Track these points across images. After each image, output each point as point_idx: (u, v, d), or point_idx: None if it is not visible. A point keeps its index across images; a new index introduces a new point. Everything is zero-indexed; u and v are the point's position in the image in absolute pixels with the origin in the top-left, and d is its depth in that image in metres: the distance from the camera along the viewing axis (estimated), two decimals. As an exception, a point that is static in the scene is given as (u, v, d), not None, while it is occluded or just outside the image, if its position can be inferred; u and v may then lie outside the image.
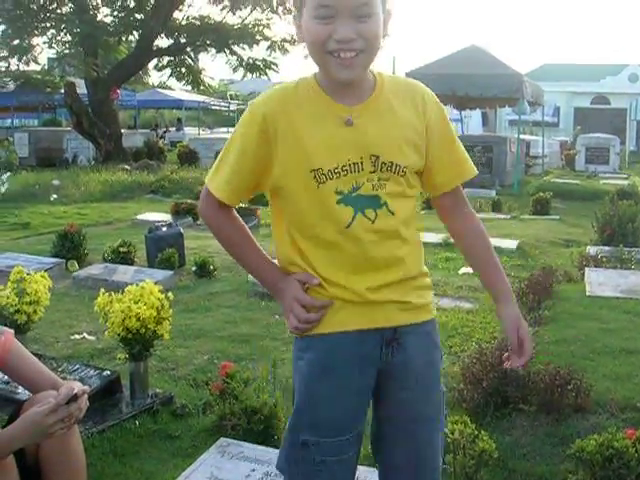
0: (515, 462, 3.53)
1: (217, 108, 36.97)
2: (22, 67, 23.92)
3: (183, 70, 24.22)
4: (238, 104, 38.23)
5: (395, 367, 2.09)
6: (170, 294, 4.07)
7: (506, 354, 2.21)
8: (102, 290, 4.10)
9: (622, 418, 3.80)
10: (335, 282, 2.03)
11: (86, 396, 2.52)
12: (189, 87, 27.15)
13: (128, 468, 3.52)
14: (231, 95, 39.62)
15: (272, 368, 4.03)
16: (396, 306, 2.06)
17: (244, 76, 24.91)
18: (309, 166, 1.97)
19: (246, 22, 22.58)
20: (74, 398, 2.44)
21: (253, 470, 3.32)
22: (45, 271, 4.87)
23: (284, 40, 22.81)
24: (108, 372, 4.16)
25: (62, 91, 22.72)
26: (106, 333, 4.02)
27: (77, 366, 4.21)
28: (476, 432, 3.37)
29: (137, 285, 4.02)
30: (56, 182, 15.64)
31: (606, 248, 8.53)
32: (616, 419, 3.75)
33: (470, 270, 7.45)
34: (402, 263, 2.06)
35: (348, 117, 1.98)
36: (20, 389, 3.77)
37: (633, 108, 28.64)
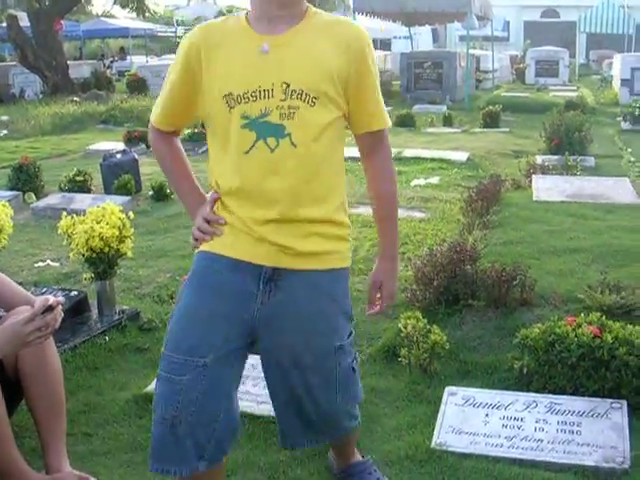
0: (466, 353, 3.78)
1: (164, 35, 36.31)
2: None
3: (128, -3, 23.74)
4: (185, 30, 37.56)
5: (273, 310, 2.12)
6: (131, 213, 4.19)
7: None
8: (64, 214, 4.19)
9: (564, 310, 4.01)
10: (228, 206, 2.14)
11: (60, 307, 2.65)
12: (134, 15, 26.59)
13: (102, 380, 3.70)
14: (177, 21, 38.83)
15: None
16: (278, 248, 2.09)
17: (189, 1, 24.47)
18: (222, 91, 2.06)
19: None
20: (49, 308, 2.57)
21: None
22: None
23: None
24: (75, 292, 4.29)
25: (4, 25, 22.16)
26: (71, 255, 4.14)
27: (45, 289, 4.32)
28: (428, 327, 3.60)
29: (98, 207, 4.13)
30: (5, 117, 15.40)
31: (553, 157, 8.79)
32: (559, 310, 3.96)
33: (421, 182, 7.67)
34: (296, 201, 2.08)
35: (264, 45, 2.05)
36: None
37: (582, 20, 28.67)
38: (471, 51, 19.54)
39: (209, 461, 2.14)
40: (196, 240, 2.21)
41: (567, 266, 4.66)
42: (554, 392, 3.29)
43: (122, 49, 33.36)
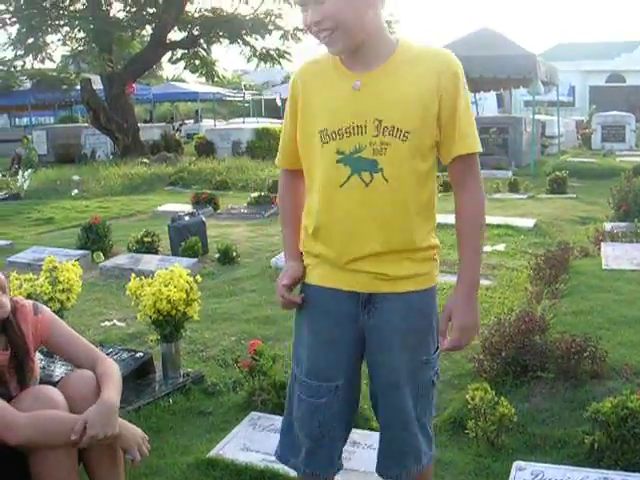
0: (534, 427, 3.67)
1: (232, 99, 37.06)
2: (37, 65, 24.12)
3: (197, 62, 24.30)
4: (252, 94, 38.33)
5: (372, 330, 2.27)
6: (198, 277, 4.23)
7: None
8: (133, 275, 4.25)
9: (637, 383, 3.89)
10: (323, 240, 2.25)
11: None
12: (203, 79, 27.24)
13: (164, 443, 3.68)
14: (245, 85, 39.66)
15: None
16: (371, 275, 2.22)
17: (257, 66, 24.99)
18: (316, 127, 2.18)
19: (258, 12, 22.65)
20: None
21: (284, 440, 3.47)
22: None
23: (296, 29, 22.84)
24: (141, 354, 4.33)
25: (78, 88, 22.94)
26: (138, 316, 4.18)
27: (110, 349, 4.37)
28: (496, 398, 3.52)
29: (166, 269, 4.18)
30: (76, 177, 15.84)
31: (622, 224, 8.60)
32: (631, 383, 3.84)
33: (487, 249, 7.58)
34: (389, 233, 2.18)
35: (356, 82, 2.13)
36: (56, 372, 3.95)
37: (649, 85, 28.46)
38: (537, 116, 19.48)
39: (340, 467, 2.46)
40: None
41: (639, 337, 4.52)
42: (627, 469, 3.16)
43: (197, 113, 34.25)
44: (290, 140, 2.32)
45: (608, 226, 8.43)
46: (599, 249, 7.15)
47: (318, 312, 2.33)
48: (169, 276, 4.04)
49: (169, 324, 4.09)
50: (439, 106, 2.13)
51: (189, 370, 4.37)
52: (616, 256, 6.74)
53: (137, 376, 4.20)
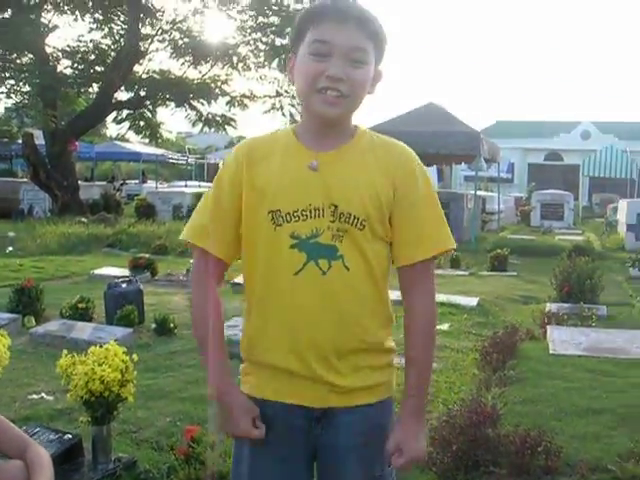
0: (487, 528, 3.49)
1: (175, 161, 36.99)
2: (-21, 116, 23.76)
3: (142, 123, 24.23)
4: (196, 158, 38.32)
5: (325, 447, 2.03)
6: (135, 356, 3.98)
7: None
8: (65, 351, 3.98)
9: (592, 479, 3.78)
10: (270, 335, 1.98)
11: None
12: (147, 140, 27.15)
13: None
14: (189, 149, 39.69)
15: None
16: (328, 387, 1.98)
17: (201, 130, 25.03)
18: (268, 207, 1.95)
19: (205, 77, 22.73)
20: None
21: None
22: (1, 327, 4.75)
23: (243, 96, 22.99)
24: (69, 436, 4.02)
25: (19, 141, 22.57)
26: (68, 396, 3.90)
27: (37, 429, 4.07)
28: (448, 497, 3.33)
29: (100, 346, 3.93)
30: (11, 234, 15.40)
31: (565, 305, 8.62)
32: (586, 481, 3.73)
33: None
34: (348, 327, 1.96)
35: (313, 162, 1.95)
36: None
37: (586, 164, 29.30)
38: (477, 192, 19.75)
39: None
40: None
41: (592, 429, 4.43)
42: None
43: (142, 173, 34.14)
44: (230, 225, 2.02)
45: (552, 307, 8.42)
46: (544, 332, 7.10)
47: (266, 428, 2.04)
48: (104, 354, 3.79)
49: (101, 405, 3.82)
50: (393, 200, 1.97)
51: (120, 455, 4.08)
52: (562, 340, 6.70)
53: (64, 459, 3.90)
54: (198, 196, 20.96)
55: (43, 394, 5.32)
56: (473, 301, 9.28)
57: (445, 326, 7.75)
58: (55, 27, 22.31)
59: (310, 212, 1.93)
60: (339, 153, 1.98)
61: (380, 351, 2.04)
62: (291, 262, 1.94)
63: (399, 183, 1.98)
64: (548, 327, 7.17)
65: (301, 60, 1.95)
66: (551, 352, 6.32)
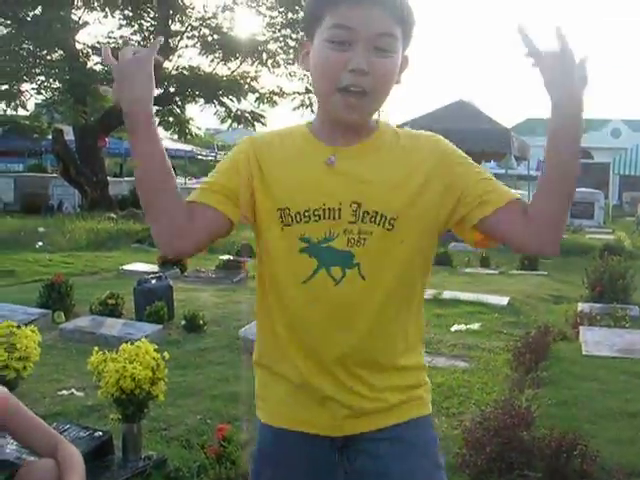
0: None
1: (203, 158, 37.04)
2: (10, 112, 23.88)
3: (171, 119, 24.28)
4: (225, 154, 38.37)
5: (360, 475, 1.76)
6: (166, 354, 3.96)
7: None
8: (96, 348, 3.97)
9: (630, 485, 3.71)
10: (281, 353, 1.76)
11: None
12: (175, 136, 27.21)
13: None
14: (217, 145, 39.78)
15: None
16: (345, 410, 1.73)
17: (230, 126, 25.03)
18: (276, 204, 1.70)
19: (235, 74, 22.74)
20: None
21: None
22: (31, 322, 4.76)
23: (272, 92, 22.96)
24: (100, 433, 4.01)
25: (49, 137, 22.72)
26: (99, 393, 3.89)
27: (68, 426, 4.06)
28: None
29: (131, 343, 3.92)
30: (42, 229, 15.50)
31: (598, 305, 8.50)
32: (624, 486, 3.66)
33: (462, 327, 7.39)
34: (366, 347, 1.71)
35: (330, 157, 1.70)
36: (7, 449, 3.65)
37: (616, 163, 28.97)
38: (508, 190, 19.53)
39: None
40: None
41: (628, 433, 4.37)
42: None
43: (172, 169, 34.22)
44: (239, 185, 1.73)
45: (585, 307, 8.31)
46: (577, 332, 7.01)
47: (280, 462, 1.80)
48: (135, 352, 3.78)
49: (132, 403, 3.80)
50: (435, 183, 1.71)
51: (151, 453, 4.06)
52: (596, 341, 6.60)
53: (95, 457, 3.89)
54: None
55: (73, 390, 5.32)
56: (504, 300, 9.18)
57: (476, 325, 7.68)
58: (85, 24, 22.36)
59: (324, 212, 1.68)
60: (360, 148, 1.73)
61: (407, 368, 1.78)
62: (300, 268, 1.69)
63: (437, 162, 1.73)
64: (580, 327, 7.08)
65: (318, 48, 1.67)
66: (584, 353, 6.24)
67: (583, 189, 25.45)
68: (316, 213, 1.68)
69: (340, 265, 1.67)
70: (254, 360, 1.87)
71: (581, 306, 8.48)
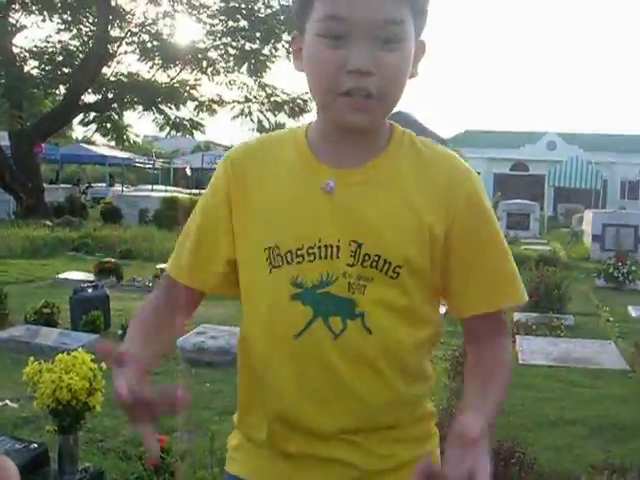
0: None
1: (141, 165, 36.70)
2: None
3: (108, 126, 24.04)
4: (162, 162, 38.06)
5: None
6: (103, 364, 3.89)
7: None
8: (31, 359, 3.87)
9: (566, 492, 3.77)
10: (266, 409, 1.44)
11: None
12: (113, 143, 26.94)
13: None
14: (155, 153, 39.43)
15: (210, 442, 3.87)
16: (338, 471, 1.41)
17: (168, 134, 24.90)
18: (263, 241, 1.40)
19: (174, 81, 22.61)
20: None
21: None
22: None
23: (212, 101, 22.90)
24: (35, 445, 3.92)
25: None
26: (34, 404, 3.79)
27: (2, 438, 3.96)
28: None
29: (67, 353, 3.84)
30: (-26, 237, 15.16)
31: (534, 315, 8.65)
32: (560, 493, 3.71)
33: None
34: (372, 407, 1.39)
35: (329, 182, 1.38)
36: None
37: (551, 175, 29.56)
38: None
39: None
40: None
41: (564, 440, 4.46)
42: None
43: (110, 176, 33.97)
44: (215, 244, 1.47)
45: (521, 317, 8.44)
46: (513, 341, 7.10)
47: None
48: (71, 362, 3.69)
49: (68, 414, 3.71)
50: (448, 237, 1.39)
51: (87, 465, 3.98)
52: (532, 350, 6.72)
53: (30, 470, 3.79)
54: (165, 200, 20.79)
55: (7, 401, 5.20)
56: (441, 310, 9.24)
57: (414, 335, 7.73)
58: (23, 27, 22.05)
59: (319, 250, 1.36)
60: (366, 170, 1.40)
61: (414, 420, 1.47)
62: (292, 319, 1.38)
63: (457, 209, 1.39)
64: (517, 337, 7.19)
65: (309, 45, 1.35)
66: (520, 362, 6.34)
67: (519, 201, 25.93)
68: (310, 251, 1.37)
69: (340, 315, 1.36)
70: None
71: (517, 316, 8.60)
